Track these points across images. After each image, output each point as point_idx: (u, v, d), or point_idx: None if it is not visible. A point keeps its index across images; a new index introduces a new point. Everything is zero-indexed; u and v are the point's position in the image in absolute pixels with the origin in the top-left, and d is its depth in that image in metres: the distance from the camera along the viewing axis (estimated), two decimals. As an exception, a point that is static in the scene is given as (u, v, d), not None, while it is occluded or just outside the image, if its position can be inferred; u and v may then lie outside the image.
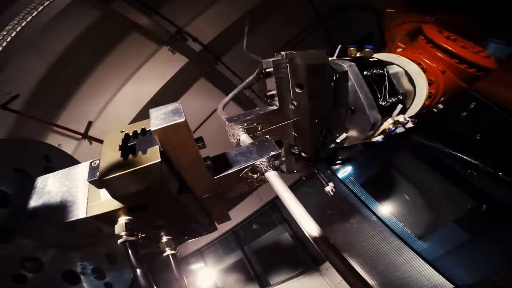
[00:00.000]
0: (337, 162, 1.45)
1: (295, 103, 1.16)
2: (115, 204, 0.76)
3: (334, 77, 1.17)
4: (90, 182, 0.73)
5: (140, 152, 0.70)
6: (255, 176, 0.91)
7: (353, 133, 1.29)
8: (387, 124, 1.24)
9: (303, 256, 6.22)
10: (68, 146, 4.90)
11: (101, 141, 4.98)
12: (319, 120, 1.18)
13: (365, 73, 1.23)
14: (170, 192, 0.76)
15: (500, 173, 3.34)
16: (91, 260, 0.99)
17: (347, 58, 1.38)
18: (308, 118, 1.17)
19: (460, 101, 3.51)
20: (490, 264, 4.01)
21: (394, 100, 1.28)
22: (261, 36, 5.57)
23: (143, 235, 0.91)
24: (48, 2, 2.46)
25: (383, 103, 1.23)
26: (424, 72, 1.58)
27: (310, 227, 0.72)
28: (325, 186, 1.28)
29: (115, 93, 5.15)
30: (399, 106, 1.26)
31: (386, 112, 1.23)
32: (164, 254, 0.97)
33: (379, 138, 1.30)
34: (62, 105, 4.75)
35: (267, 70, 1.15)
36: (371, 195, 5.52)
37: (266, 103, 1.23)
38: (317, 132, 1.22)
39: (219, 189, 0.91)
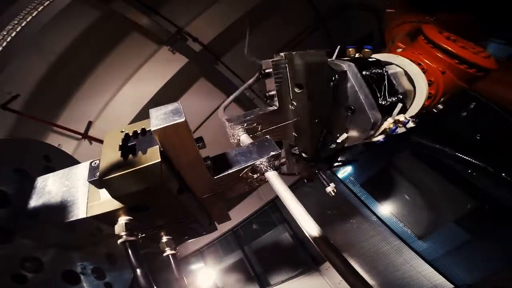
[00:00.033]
0: (338, 163, 1.45)
1: (295, 103, 1.17)
2: (115, 204, 0.76)
3: (333, 77, 1.17)
4: (90, 182, 0.74)
5: (140, 152, 0.70)
6: (255, 176, 0.91)
7: (353, 133, 1.29)
8: (388, 123, 1.24)
9: (303, 256, 6.22)
10: (68, 146, 4.90)
11: (101, 141, 4.98)
12: (319, 120, 1.18)
13: (364, 73, 1.23)
14: (170, 192, 0.76)
15: (501, 173, 3.33)
16: (91, 260, 0.99)
17: (346, 58, 1.38)
18: (308, 118, 1.17)
19: (460, 101, 3.51)
20: (490, 264, 4.01)
21: (394, 99, 1.28)
22: (261, 36, 5.57)
23: (143, 235, 0.91)
24: (48, 2, 2.46)
25: (383, 102, 1.23)
26: (424, 72, 1.58)
27: (310, 227, 0.72)
28: (326, 187, 1.28)
29: (115, 93, 5.15)
30: (399, 105, 1.26)
31: (386, 112, 1.23)
32: (164, 254, 0.97)
33: (380, 138, 1.30)
34: (62, 105, 4.75)
35: (266, 70, 1.15)
36: (371, 195, 5.52)
37: (266, 104, 1.23)
38: (317, 132, 1.23)
39: (219, 189, 0.91)
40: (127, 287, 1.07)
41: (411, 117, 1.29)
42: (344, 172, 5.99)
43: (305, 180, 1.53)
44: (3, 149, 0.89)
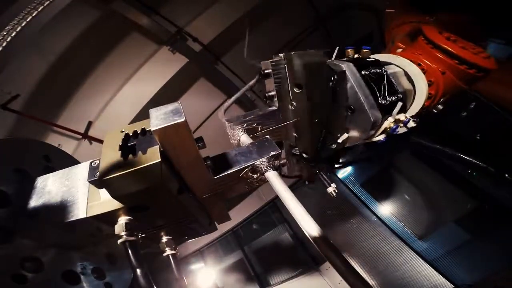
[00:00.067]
0: (339, 164, 1.45)
1: (294, 103, 1.17)
2: (115, 204, 0.76)
3: (333, 77, 1.17)
4: (90, 182, 0.74)
5: (140, 152, 0.70)
6: (255, 176, 0.91)
7: (354, 133, 1.29)
8: (388, 122, 1.24)
9: (303, 256, 6.22)
10: (68, 146, 4.90)
11: (101, 141, 4.98)
12: (319, 120, 1.18)
13: (363, 72, 1.23)
14: (170, 192, 0.76)
15: (501, 173, 3.33)
16: (91, 260, 0.99)
17: (345, 59, 1.38)
18: (307, 118, 1.17)
19: (460, 101, 3.51)
20: (490, 264, 4.01)
21: (393, 98, 1.27)
22: (261, 36, 5.57)
23: (143, 235, 0.91)
24: (48, 2, 2.46)
25: (383, 102, 1.22)
26: (424, 73, 1.58)
27: (310, 227, 0.72)
28: (327, 187, 1.28)
29: (115, 93, 5.15)
30: (399, 104, 1.26)
31: (386, 111, 1.23)
32: (164, 254, 0.97)
33: (380, 137, 1.30)
34: (62, 105, 4.75)
35: (265, 71, 1.15)
36: (371, 195, 5.52)
37: (266, 104, 1.23)
38: (317, 132, 1.22)
39: (219, 189, 0.91)
40: (127, 287, 1.07)
41: (412, 116, 1.29)
42: (344, 172, 5.99)
43: (306, 182, 1.53)
44: (3, 149, 0.89)
